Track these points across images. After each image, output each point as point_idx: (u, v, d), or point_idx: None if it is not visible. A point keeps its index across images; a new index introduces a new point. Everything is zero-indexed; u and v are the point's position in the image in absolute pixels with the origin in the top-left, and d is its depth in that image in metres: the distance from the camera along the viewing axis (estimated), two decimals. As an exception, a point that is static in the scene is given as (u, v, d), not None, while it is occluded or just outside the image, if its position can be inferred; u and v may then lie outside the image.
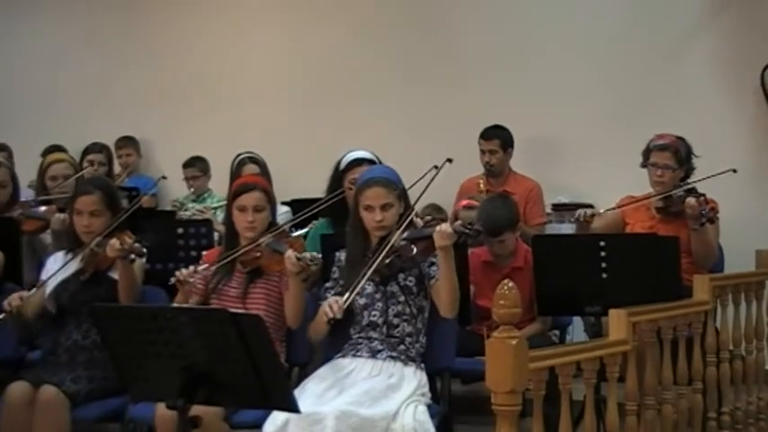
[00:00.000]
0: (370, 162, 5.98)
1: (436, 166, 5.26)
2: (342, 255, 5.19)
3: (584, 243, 5.66)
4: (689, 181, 6.28)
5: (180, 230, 6.34)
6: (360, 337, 5.04)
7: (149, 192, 8.64)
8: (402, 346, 4.97)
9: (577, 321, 6.40)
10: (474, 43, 8.53)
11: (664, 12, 7.92)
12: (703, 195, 5.94)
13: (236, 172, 6.96)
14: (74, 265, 5.46)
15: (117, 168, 8.92)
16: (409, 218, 5.00)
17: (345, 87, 8.86)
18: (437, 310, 5.03)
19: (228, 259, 5.25)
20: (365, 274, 4.88)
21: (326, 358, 5.09)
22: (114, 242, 5.22)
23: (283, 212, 6.74)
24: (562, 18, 8.29)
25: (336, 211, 5.96)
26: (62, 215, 5.95)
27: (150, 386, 3.84)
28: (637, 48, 8.00)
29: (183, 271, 5.11)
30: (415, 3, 8.84)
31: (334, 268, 5.19)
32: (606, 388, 4.70)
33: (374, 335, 5.01)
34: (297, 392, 4.40)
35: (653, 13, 7.97)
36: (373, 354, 4.94)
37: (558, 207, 7.72)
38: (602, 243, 5.42)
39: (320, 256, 5.14)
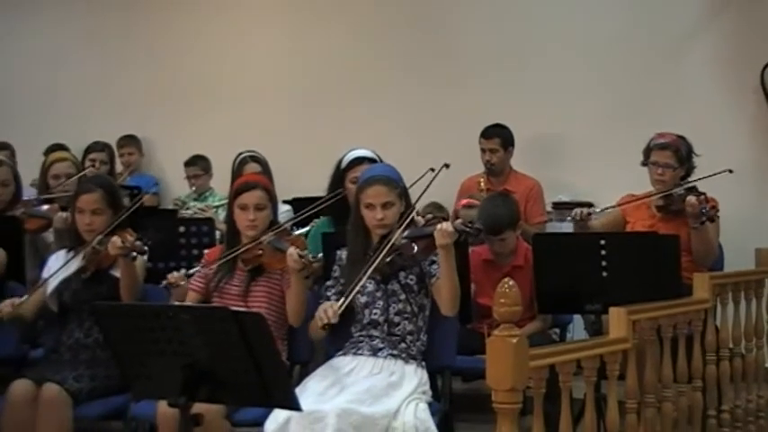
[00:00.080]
0: (371, 161, 5.99)
1: (432, 169, 5.26)
2: (343, 253, 5.19)
3: (585, 241, 5.67)
4: (689, 179, 6.28)
5: (181, 229, 6.36)
6: (361, 336, 5.04)
7: (151, 190, 8.67)
8: (403, 345, 4.98)
9: (578, 319, 6.40)
10: (474, 43, 8.54)
11: (664, 12, 7.93)
12: (704, 194, 5.94)
13: (237, 171, 6.96)
14: (75, 264, 5.46)
15: (119, 167, 8.93)
16: (410, 216, 5.00)
17: (346, 87, 8.87)
18: (438, 309, 5.03)
19: (230, 257, 5.27)
20: (366, 273, 4.88)
21: (328, 356, 5.10)
22: (116, 240, 5.22)
23: (284, 211, 6.75)
24: (562, 18, 8.29)
25: (337, 209, 5.96)
26: (64, 214, 5.95)
27: (152, 384, 3.85)
28: (637, 47, 8.00)
29: (175, 274, 5.13)
30: (414, 2, 8.85)
31: (335, 267, 5.19)
32: (606, 386, 4.69)
33: (375, 333, 5.01)
34: (298, 390, 4.40)
35: (653, 13, 7.97)
36: (374, 352, 4.95)
37: (558, 206, 7.73)
38: (602, 241, 5.43)
39: (321, 255, 5.16)
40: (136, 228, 5.43)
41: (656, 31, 7.97)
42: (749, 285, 5.79)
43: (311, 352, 5.30)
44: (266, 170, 6.95)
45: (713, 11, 7.83)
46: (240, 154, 7.15)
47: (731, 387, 5.66)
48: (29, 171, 7.30)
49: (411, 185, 5.35)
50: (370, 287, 5.04)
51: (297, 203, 7.12)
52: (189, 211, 8.12)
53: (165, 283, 5.13)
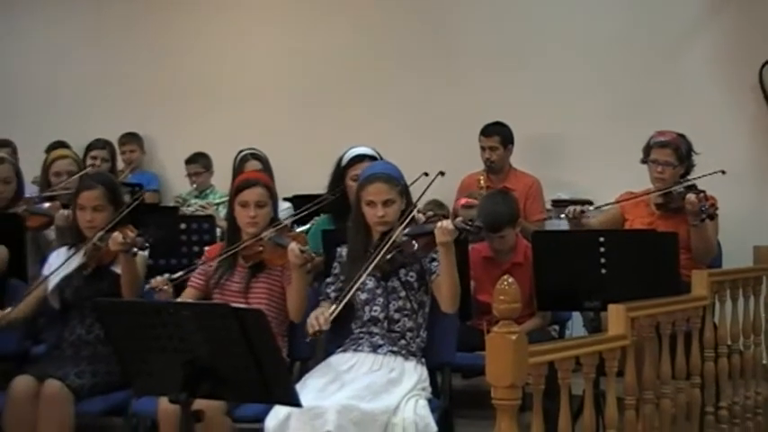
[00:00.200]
0: (372, 158, 5.99)
1: (426, 174, 5.27)
2: (343, 250, 5.21)
3: (584, 239, 5.68)
4: (689, 177, 6.30)
5: (182, 226, 6.37)
6: (361, 332, 5.06)
7: (152, 188, 8.70)
8: (403, 341, 5.00)
9: (577, 316, 6.42)
10: (474, 42, 8.54)
11: (663, 11, 7.94)
12: (703, 192, 5.95)
13: (238, 168, 6.97)
14: (77, 260, 5.48)
15: (120, 164, 8.94)
16: (411, 214, 5.01)
17: (346, 85, 8.88)
18: (438, 306, 5.05)
19: (231, 252, 5.28)
20: (366, 270, 4.89)
21: (328, 353, 5.11)
22: (117, 236, 5.23)
23: (285, 208, 6.77)
24: (562, 17, 8.30)
25: (338, 207, 5.98)
26: (66, 211, 5.96)
27: (153, 380, 3.86)
28: (636, 46, 8.01)
29: (158, 278, 5.13)
30: (415, 1, 8.86)
31: (336, 263, 5.21)
32: (605, 382, 4.72)
33: (375, 330, 5.03)
34: (298, 387, 4.41)
35: (652, 12, 7.98)
36: (374, 348, 4.97)
37: (557, 203, 7.70)
38: (601, 239, 5.44)
39: (321, 251, 5.18)
40: (137, 225, 5.44)
41: (656, 30, 7.98)
42: (747, 282, 5.80)
43: (311, 348, 5.30)
44: (267, 167, 6.96)
45: (713, 10, 7.84)
46: (241, 151, 7.16)
47: (729, 384, 5.67)
48: (30, 168, 7.30)
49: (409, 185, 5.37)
50: (371, 284, 5.06)
51: (297, 201, 7.14)
52: (190, 209, 8.14)
53: (147, 287, 5.13)
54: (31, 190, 6.98)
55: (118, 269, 5.38)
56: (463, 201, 6.87)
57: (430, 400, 4.85)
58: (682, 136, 6.33)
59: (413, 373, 4.89)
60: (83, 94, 9.67)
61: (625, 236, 5.96)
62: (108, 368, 5.16)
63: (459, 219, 5.01)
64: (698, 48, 7.88)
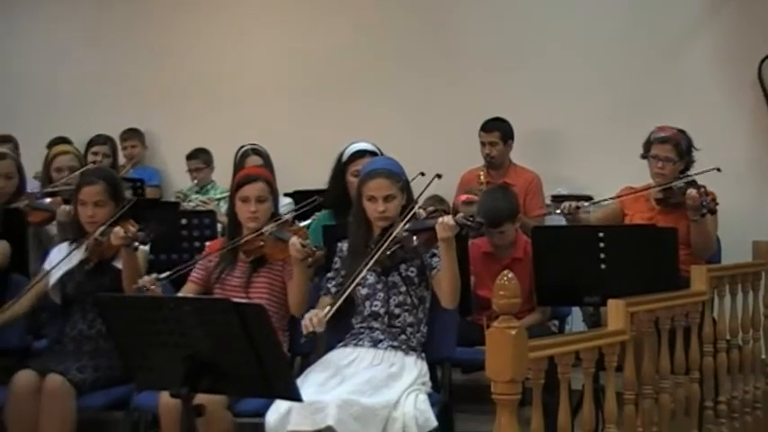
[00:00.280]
0: (373, 154, 5.99)
1: (423, 173, 5.27)
2: (344, 245, 5.21)
3: (584, 234, 5.68)
4: (688, 173, 6.31)
5: (183, 221, 6.37)
6: (361, 327, 5.07)
7: (153, 183, 8.71)
8: (403, 336, 5.01)
9: (576, 311, 6.43)
10: (474, 40, 8.55)
11: (663, 9, 7.95)
12: (704, 187, 5.96)
13: (239, 163, 6.97)
14: (78, 255, 5.49)
15: (122, 160, 8.95)
16: (412, 209, 5.02)
17: (346, 83, 8.88)
18: (438, 301, 5.05)
19: (231, 246, 5.30)
20: (367, 265, 4.90)
21: (328, 348, 5.11)
22: (118, 230, 5.24)
23: (286, 204, 6.77)
24: (562, 16, 8.32)
25: (338, 202, 5.99)
26: (67, 207, 5.95)
27: (155, 375, 3.88)
28: (636, 44, 8.03)
29: (145, 278, 5.13)
30: (415, 0, 8.86)
31: (336, 258, 5.22)
32: (604, 377, 4.74)
33: (376, 325, 5.04)
34: (299, 381, 4.40)
35: (652, 11, 8.00)
36: (375, 343, 4.97)
37: (557, 199, 7.71)
38: (600, 234, 5.45)
39: (323, 245, 5.20)
40: (138, 220, 5.45)
41: (655, 28, 7.99)
42: (746, 278, 5.83)
43: (312, 343, 5.29)
44: (268, 163, 6.96)
45: (712, 8, 7.85)
46: (242, 147, 7.16)
47: (728, 378, 5.69)
48: (32, 164, 7.31)
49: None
50: (371, 279, 5.06)
51: (298, 196, 7.15)
52: (191, 204, 8.14)
53: (134, 287, 5.14)
54: (32, 185, 6.99)
55: (119, 264, 5.39)
56: (464, 197, 6.86)
57: (430, 395, 4.86)
58: (682, 132, 6.34)
59: (413, 368, 4.89)
60: (84, 91, 9.68)
61: (624, 231, 5.97)
62: (109, 363, 5.17)
63: (460, 215, 5.01)
64: (697, 45, 7.89)
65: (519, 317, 4.15)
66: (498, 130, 7.66)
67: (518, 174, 7.65)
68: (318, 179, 6.36)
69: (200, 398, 3.76)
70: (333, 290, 5.12)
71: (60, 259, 5.50)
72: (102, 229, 5.40)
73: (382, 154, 5.99)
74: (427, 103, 8.60)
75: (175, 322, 3.70)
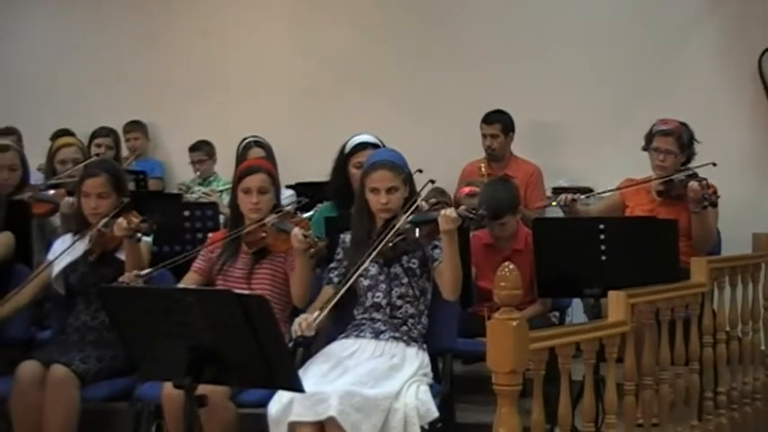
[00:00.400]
0: (375, 146, 5.98)
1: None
2: (347, 236, 5.22)
3: (584, 226, 5.69)
4: (690, 166, 6.32)
5: (186, 213, 6.37)
6: (363, 318, 5.09)
7: (156, 175, 8.72)
8: (405, 327, 5.02)
9: (577, 303, 6.42)
10: (476, 33, 8.55)
11: (664, 3, 7.99)
12: (705, 179, 5.98)
13: (241, 155, 6.98)
14: (82, 247, 5.51)
15: (125, 152, 8.96)
16: (416, 202, 5.03)
17: (349, 75, 8.87)
18: (439, 292, 5.07)
19: (233, 236, 5.31)
20: (369, 256, 4.91)
21: (330, 339, 5.13)
22: (122, 221, 5.26)
23: (288, 196, 6.79)
24: (562, 10, 8.33)
25: (340, 194, 6.01)
26: (71, 199, 5.97)
27: (158, 366, 3.90)
28: (636, 35, 8.05)
29: (127, 275, 5.15)
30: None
31: (339, 249, 5.23)
32: (605, 368, 4.75)
33: (377, 316, 5.05)
34: (301, 372, 4.43)
35: (653, 4, 8.02)
36: (376, 334, 4.99)
37: (557, 191, 7.73)
38: (601, 226, 5.45)
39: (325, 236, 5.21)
40: (141, 211, 5.47)
41: (656, 21, 8.01)
42: (746, 269, 5.85)
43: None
44: (270, 155, 6.97)
45: (713, 2, 7.87)
46: (244, 139, 7.18)
47: (728, 369, 5.71)
48: (35, 156, 7.33)
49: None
50: (373, 270, 5.07)
51: (300, 188, 7.17)
52: (193, 196, 8.15)
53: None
54: (36, 177, 7.01)
55: (122, 256, 5.41)
56: (467, 190, 6.87)
57: (431, 386, 4.87)
58: (684, 125, 6.35)
59: (414, 359, 4.91)
60: (87, 83, 9.66)
61: (625, 223, 5.98)
62: (113, 353, 5.20)
63: (462, 207, 5.02)
64: (697, 38, 7.91)
65: (520, 308, 4.15)
66: (499, 122, 7.68)
67: (519, 166, 7.67)
68: (320, 171, 6.36)
69: (203, 388, 3.78)
70: (335, 279, 5.13)
71: (64, 250, 5.52)
72: (105, 220, 5.42)
73: (384, 146, 6.00)
74: (429, 96, 8.60)
75: (178, 313, 3.71)
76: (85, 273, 5.49)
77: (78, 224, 5.62)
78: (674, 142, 6.27)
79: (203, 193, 8.19)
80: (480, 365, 5.11)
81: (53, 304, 5.72)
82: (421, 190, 5.13)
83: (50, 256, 5.59)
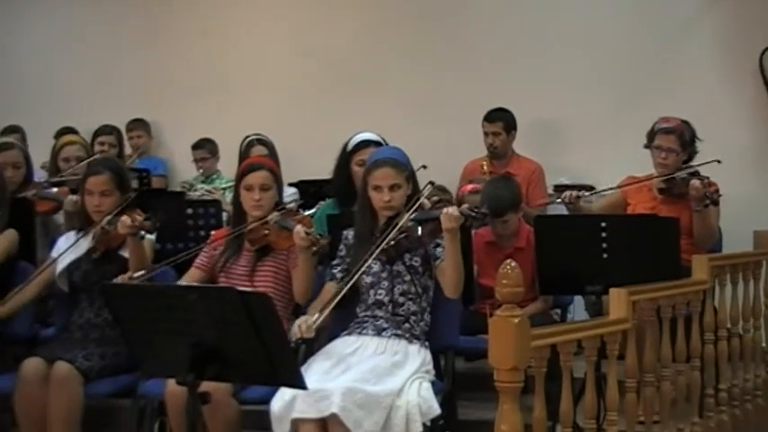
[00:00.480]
0: (377, 144, 5.98)
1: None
2: (349, 233, 5.23)
3: (586, 223, 5.69)
4: (694, 163, 6.33)
5: (189, 211, 6.39)
6: (365, 316, 5.09)
7: (159, 173, 8.74)
8: (407, 325, 5.03)
9: (578, 300, 6.40)
10: (478, 31, 8.55)
11: (665, 0, 8.00)
12: (707, 178, 5.98)
13: (244, 153, 7.00)
14: (85, 244, 5.53)
15: (128, 150, 8.98)
16: (419, 200, 5.04)
17: (351, 73, 8.87)
18: (441, 290, 5.07)
19: (235, 233, 5.33)
20: (372, 254, 4.92)
21: (332, 336, 5.14)
22: (125, 219, 5.27)
23: (290, 194, 6.80)
24: (564, 8, 8.34)
25: (343, 191, 6.02)
26: (74, 197, 5.99)
27: (161, 363, 3.92)
28: (637, 33, 8.04)
29: (122, 276, 5.20)
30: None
31: (341, 246, 5.23)
32: (606, 365, 4.75)
33: (380, 313, 5.06)
34: (303, 369, 4.43)
35: (654, 1, 8.02)
36: (378, 332, 5.00)
37: (559, 188, 7.72)
38: (603, 223, 5.44)
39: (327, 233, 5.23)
40: (144, 209, 5.49)
41: (657, 19, 8.01)
42: (747, 267, 5.86)
43: (316, 332, 5.35)
44: (272, 153, 6.99)
45: (713, -1, 7.91)
46: (247, 137, 7.20)
47: (728, 366, 5.72)
48: (39, 154, 7.35)
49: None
50: (376, 268, 5.08)
51: (303, 186, 7.18)
52: (196, 193, 8.16)
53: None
54: (39, 175, 7.03)
55: (126, 253, 5.42)
56: (470, 186, 6.87)
57: (433, 383, 4.88)
58: (686, 122, 6.35)
59: (416, 357, 4.92)
60: (90, 81, 9.66)
61: (626, 220, 5.98)
62: (116, 350, 5.21)
63: (465, 206, 5.01)
64: (698, 35, 7.91)
65: (521, 306, 4.17)
66: (501, 120, 7.68)
67: (521, 164, 7.67)
68: (323, 169, 6.37)
69: (206, 385, 3.79)
70: (338, 276, 5.15)
71: (67, 247, 5.54)
72: (109, 218, 5.44)
73: (386, 144, 6.01)
74: (430, 95, 8.60)
75: (181, 311, 3.72)
76: (89, 270, 5.51)
77: (82, 222, 5.65)
78: (676, 140, 6.27)
79: (206, 190, 8.20)
80: (482, 362, 5.12)
81: (57, 301, 5.74)
82: (422, 190, 5.14)
83: (54, 254, 5.61)
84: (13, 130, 8.37)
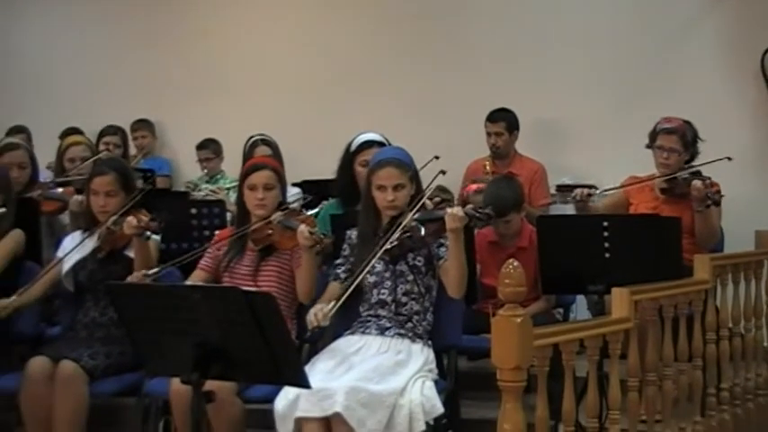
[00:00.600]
0: (380, 144, 6.00)
1: (437, 157, 5.27)
2: (353, 233, 5.25)
3: (588, 223, 5.70)
4: (693, 164, 6.33)
5: (193, 211, 6.40)
6: (369, 315, 5.11)
7: (163, 173, 8.75)
8: (410, 324, 5.04)
9: (581, 300, 6.43)
10: (480, 31, 8.55)
11: (664, 0, 8.01)
12: (709, 178, 5.99)
13: (248, 153, 7.01)
14: (91, 244, 5.55)
15: (133, 150, 8.98)
16: (422, 200, 5.05)
17: (355, 74, 8.88)
18: (444, 289, 5.09)
19: (240, 233, 5.34)
20: (376, 254, 4.93)
21: (336, 335, 5.16)
22: (131, 219, 5.30)
23: (294, 194, 6.81)
24: (565, 7, 8.35)
25: (346, 192, 6.04)
26: (80, 197, 6.01)
27: (165, 362, 3.91)
28: (639, 33, 8.05)
29: (135, 274, 5.20)
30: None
31: (345, 245, 5.25)
32: (608, 364, 4.75)
33: (383, 312, 5.08)
34: (307, 369, 4.45)
35: (655, 1, 8.03)
36: (382, 331, 5.02)
37: (561, 188, 7.70)
38: (605, 223, 5.46)
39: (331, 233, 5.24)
40: (149, 209, 5.51)
41: (658, 19, 8.01)
42: (749, 266, 5.86)
43: (320, 331, 5.36)
44: (276, 153, 7.00)
45: (713, -1, 7.92)
46: (251, 137, 7.20)
47: (730, 366, 5.74)
48: (44, 154, 7.36)
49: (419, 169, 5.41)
50: (379, 267, 5.09)
51: (306, 186, 7.20)
52: (201, 193, 8.18)
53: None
54: (45, 175, 7.05)
55: (131, 253, 5.44)
56: (474, 186, 6.87)
57: (436, 382, 4.89)
58: (688, 123, 6.35)
59: (419, 356, 4.93)
60: (95, 82, 9.67)
61: (628, 220, 5.99)
62: (121, 349, 5.24)
63: (469, 206, 5.02)
64: (700, 35, 7.91)
65: (524, 305, 4.18)
66: (504, 120, 7.69)
67: (523, 164, 7.68)
68: (326, 169, 6.38)
69: (211, 384, 3.79)
70: (342, 275, 5.16)
71: (73, 247, 5.57)
72: (114, 218, 5.45)
73: (389, 144, 6.02)
74: (431, 95, 8.61)
75: (186, 310, 3.72)
76: (94, 270, 5.53)
77: (87, 222, 5.66)
78: (678, 140, 6.27)
79: (210, 190, 8.21)
80: (485, 362, 5.14)
81: (62, 301, 5.76)
82: (432, 180, 5.16)
83: (60, 254, 5.63)
84: (19, 130, 8.38)
